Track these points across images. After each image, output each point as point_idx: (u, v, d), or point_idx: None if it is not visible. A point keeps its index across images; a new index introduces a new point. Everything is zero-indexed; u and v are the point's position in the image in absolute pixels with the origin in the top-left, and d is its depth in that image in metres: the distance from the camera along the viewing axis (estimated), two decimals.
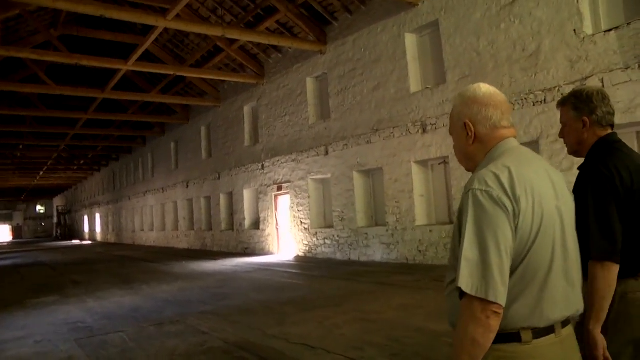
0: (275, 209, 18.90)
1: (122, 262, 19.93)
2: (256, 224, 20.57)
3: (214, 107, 22.94)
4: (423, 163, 13.52)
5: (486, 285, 1.57)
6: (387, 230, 14.47)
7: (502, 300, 1.58)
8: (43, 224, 69.55)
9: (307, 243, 17.28)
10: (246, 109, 20.93)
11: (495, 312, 1.58)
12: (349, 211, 15.66)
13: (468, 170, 1.97)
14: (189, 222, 26.04)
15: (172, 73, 19.24)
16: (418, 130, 13.25)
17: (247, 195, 20.79)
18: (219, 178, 22.57)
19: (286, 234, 18.80)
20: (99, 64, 17.07)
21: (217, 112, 22.91)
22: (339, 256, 15.99)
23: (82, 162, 39.04)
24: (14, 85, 18.72)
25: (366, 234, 15.16)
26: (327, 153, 16.43)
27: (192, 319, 8.04)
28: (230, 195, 22.28)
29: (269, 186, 19.09)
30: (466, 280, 1.59)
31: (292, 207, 17.87)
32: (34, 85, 18.75)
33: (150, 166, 31.20)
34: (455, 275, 1.65)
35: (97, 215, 45.14)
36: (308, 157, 17.15)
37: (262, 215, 19.53)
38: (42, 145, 31.05)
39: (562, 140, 2.75)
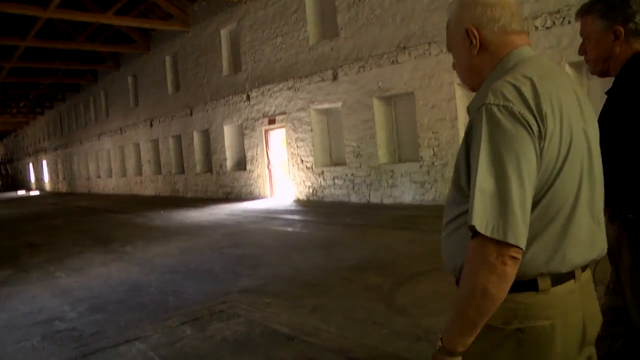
0: (267, 146, 15.52)
1: (85, 215, 16.16)
2: (241, 165, 17.13)
3: (181, 32, 18.84)
4: None
5: (504, 224, 1.20)
6: (420, 167, 11.53)
7: (523, 242, 1.22)
8: None
9: (310, 184, 14.12)
10: (223, 33, 17.02)
11: (513, 257, 1.21)
12: (368, 146, 12.54)
13: (473, 88, 1.50)
14: (155, 165, 22.20)
15: None
16: None
17: (228, 131, 17.21)
18: (190, 114, 18.79)
19: (280, 175, 15.56)
20: None
21: (185, 38, 18.85)
22: (354, 198, 12.96)
23: (21, 104, 33.77)
24: None
25: (392, 171, 12.15)
26: (335, 78, 13.09)
27: (244, 307, 4.83)
28: (206, 133, 18.60)
29: (257, 120, 15.61)
30: (480, 217, 1.21)
31: (289, 143, 14.56)
32: None
33: (103, 105, 26.67)
34: (457, 212, 1.38)
35: (44, 163, 39.93)
36: (310, 84, 13.75)
37: (249, 154, 16.10)
38: None
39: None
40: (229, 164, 17.19)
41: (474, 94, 1.46)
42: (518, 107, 1.24)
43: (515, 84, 1.27)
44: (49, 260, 8.26)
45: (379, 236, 7.98)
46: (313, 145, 13.90)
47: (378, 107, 12.46)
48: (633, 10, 1.90)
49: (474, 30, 1.42)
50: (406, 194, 11.90)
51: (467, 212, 1.26)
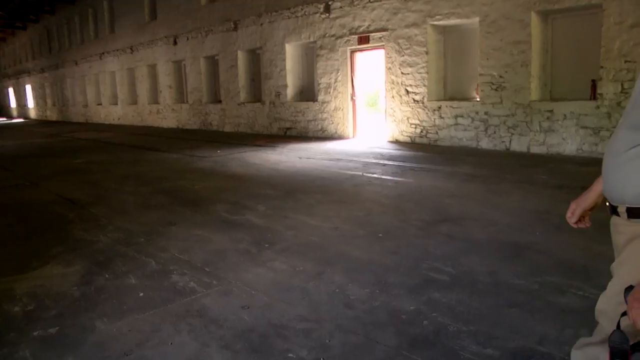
0: (352, 72, 11.81)
1: (109, 152, 12.28)
2: (306, 94, 13.44)
3: None
4: None
5: None
6: (597, 107, 8.21)
7: None
8: None
9: (417, 123, 10.61)
10: None
11: None
12: (516, 76, 9.10)
13: None
14: (178, 92, 18.17)
15: None
16: None
17: (291, 51, 13.32)
18: (234, 29, 14.73)
19: (363, 109, 12.02)
20: None
21: None
22: (485, 143, 9.61)
23: None
24: None
25: (549, 111, 8.78)
26: None
27: None
28: (255, 54, 14.69)
29: (339, 37, 11.79)
30: None
31: (390, 69, 10.90)
32: None
33: (107, 18, 22.07)
34: None
35: (28, 87, 34.97)
36: None
37: (323, 81, 12.35)
38: None
39: None
40: (290, 92, 13.43)
41: None
42: None
43: None
44: (130, 242, 4.67)
45: None
46: (427, 73, 10.29)
47: (536, 25, 8.91)
48: None
49: None
50: (569, 142, 8.60)
51: None
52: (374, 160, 8.60)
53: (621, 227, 1.38)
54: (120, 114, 22.27)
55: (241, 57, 14.81)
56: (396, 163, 8.29)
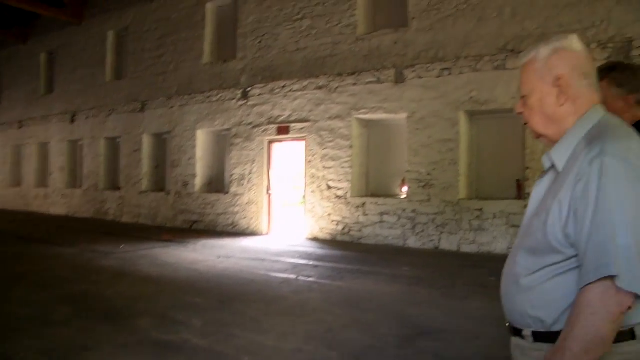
0: (269, 164, 11.26)
1: None
2: (216, 185, 12.64)
3: (140, 0, 14.02)
4: None
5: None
6: (525, 206, 8.20)
7: None
8: None
9: (339, 219, 10.20)
10: (210, 8, 12.62)
11: (629, 309, 1.19)
12: (444, 174, 9.15)
13: (547, 137, 1.47)
14: (71, 175, 16.43)
15: None
16: None
17: (203, 138, 12.60)
18: (141, 110, 13.79)
19: (279, 205, 11.47)
20: None
21: (145, 10, 13.90)
22: (413, 242, 9.38)
23: None
24: None
25: (479, 210, 8.82)
26: (400, 80, 9.52)
27: None
28: (159, 138, 13.77)
29: (257, 126, 11.34)
30: (625, 272, 1.15)
31: (310, 162, 10.56)
32: None
33: None
34: (548, 261, 1.31)
35: None
36: (355, 85, 10.01)
37: (236, 172, 11.65)
38: None
39: None
40: (198, 182, 12.53)
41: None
42: (636, 161, 1.23)
43: (625, 138, 1.28)
44: None
45: None
46: (351, 167, 10.04)
47: (464, 125, 9.14)
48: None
49: (567, 80, 1.37)
50: (500, 240, 8.64)
51: (562, 262, 1.28)
52: (302, 262, 7.93)
53: (527, 351, 1.38)
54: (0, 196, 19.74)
55: (146, 141, 13.79)
56: (328, 264, 7.67)
